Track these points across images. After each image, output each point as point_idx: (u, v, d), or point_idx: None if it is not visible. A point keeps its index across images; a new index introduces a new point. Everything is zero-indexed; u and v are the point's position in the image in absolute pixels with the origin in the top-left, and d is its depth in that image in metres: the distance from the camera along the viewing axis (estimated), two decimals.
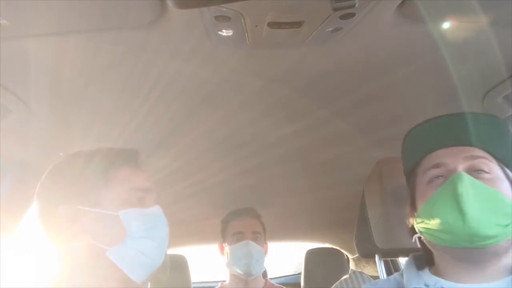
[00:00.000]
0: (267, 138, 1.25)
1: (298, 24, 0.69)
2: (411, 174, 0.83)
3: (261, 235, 1.64)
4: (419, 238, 0.78)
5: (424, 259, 0.80)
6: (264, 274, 1.86)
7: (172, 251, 2.12)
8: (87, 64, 0.84)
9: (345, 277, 1.80)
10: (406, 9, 0.70)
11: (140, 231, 0.76)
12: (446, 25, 0.75)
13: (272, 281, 1.78)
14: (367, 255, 1.23)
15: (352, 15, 0.68)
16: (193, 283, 1.99)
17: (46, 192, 0.79)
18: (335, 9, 0.58)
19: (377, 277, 1.46)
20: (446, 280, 0.73)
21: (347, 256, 2.39)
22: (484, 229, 0.65)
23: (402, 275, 0.81)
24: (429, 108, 1.06)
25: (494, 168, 0.73)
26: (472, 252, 0.68)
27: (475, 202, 0.67)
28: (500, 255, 0.69)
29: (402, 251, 1.14)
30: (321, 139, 1.27)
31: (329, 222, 2.10)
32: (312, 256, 2.18)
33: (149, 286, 1.00)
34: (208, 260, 2.72)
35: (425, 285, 0.74)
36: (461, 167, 0.72)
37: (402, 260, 2.06)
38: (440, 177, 0.74)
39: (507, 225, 0.66)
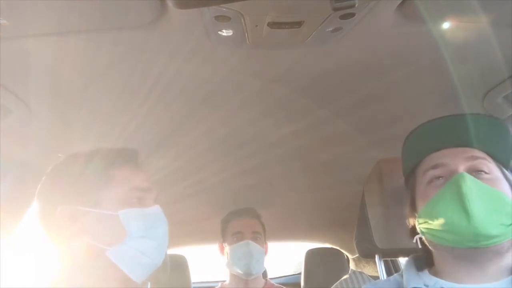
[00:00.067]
0: (267, 138, 1.25)
1: (298, 24, 0.69)
2: (410, 175, 0.83)
3: (261, 235, 1.64)
4: (420, 238, 0.78)
5: (424, 259, 0.80)
6: (264, 274, 1.85)
7: (172, 251, 2.12)
8: (87, 64, 0.84)
9: (345, 277, 1.80)
10: (406, 9, 0.70)
11: (140, 231, 0.76)
12: (446, 25, 0.75)
13: (272, 281, 1.78)
14: (367, 255, 1.23)
15: (352, 15, 0.68)
16: (193, 283, 1.99)
17: (46, 192, 0.80)
18: (335, 9, 0.58)
19: (377, 277, 1.46)
20: (445, 281, 0.73)
21: (347, 256, 2.39)
22: (488, 228, 0.65)
23: (401, 276, 0.81)
24: (429, 108, 1.07)
25: (493, 168, 0.74)
26: (475, 252, 0.68)
27: (479, 202, 0.67)
28: (502, 255, 0.69)
29: (402, 251, 1.14)
30: (321, 139, 1.27)
31: (329, 222, 2.10)
32: (312, 256, 2.18)
33: (149, 286, 1.00)
34: (208, 260, 2.72)
35: (425, 285, 0.74)
36: (461, 168, 0.73)
37: (402, 260, 2.06)
38: (440, 178, 0.75)
39: (509, 225, 0.67)
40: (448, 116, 0.80)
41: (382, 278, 1.24)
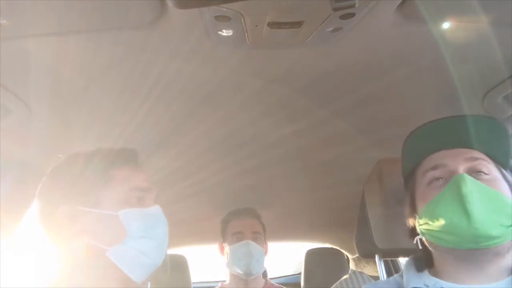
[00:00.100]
0: (267, 138, 1.25)
1: (298, 24, 0.69)
2: (410, 176, 0.83)
3: (261, 235, 1.64)
4: (420, 239, 0.78)
5: (424, 260, 0.80)
6: (264, 274, 1.85)
7: (172, 251, 2.12)
8: (87, 64, 0.84)
9: (345, 277, 1.80)
10: (406, 9, 0.70)
11: (140, 231, 0.76)
12: (446, 25, 0.75)
13: (272, 281, 1.78)
14: (367, 255, 1.23)
15: (352, 15, 0.68)
16: (193, 283, 1.99)
17: (47, 192, 0.80)
18: (335, 9, 0.58)
19: (377, 277, 1.46)
20: (445, 281, 0.73)
21: (347, 256, 2.39)
22: (489, 229, 0.66)
23: (402, 277, 0.81)
24: (429, 108, 1.07)
25: (492, 169, 0.74)
26: (475, 253, 0.68)
27: (479, 203, 0.67)
28: (502, 256, 0.69)
29: (402, 251, 1.14)
30: (321, 139, 1.27)
31: (329, 222, 2.10)
32: (312, 256, 2.18)
33: (149, 286, 1.00)
34: (208, 260, 2.72)
35: (425, 285, 0.74)
36: (461, 169, 0.73)
37: (402, 260, 2.06)
38: (440, 179, 0.75)
39: (509, 226, 0.67)
40: (447, 117, 0.80)
41: (382, 278, 1.24)
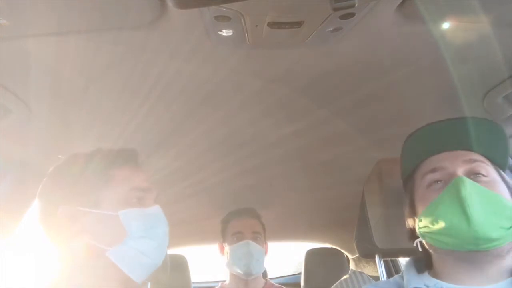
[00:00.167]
0: (267, 138, 1.25)
1: (298, 24, 0.69)
2: (409, 178, 0.83)
3: (261, 235, 1.64)
4: (420, 241, 0.78)
5: (424, 261, 0.81)
6: (264, 274, 1.85)
7: (172, 251, 2.12)
8: (87, 64, 0.84)
9: (345, 277, 1.80)
10: (406, 9, 0.70)
11: (140, 231, 0.76)
12: (446, 25, 0.75)
13: (272, 281, 1.78)
14: (367, 255, 1.23)
15: (352, 15, 0.68)
16: (193, 283, 1.99)
17: (48, 192, 0.80)
18: (335, 9, 0.58)
19: (377, 277, 1.46)
20: (445, 282, 0.73)
21: (347, 256, 2.39)
22: (488, 232, 0.66)
23: (402, 277, 0.81)
24: (429, 108, 1.07)
25: (491, 171, 0.74)
26: (475, 255, 0.68)
27: (479, 205, 0.67)
28: (502, 257, 0.69)
29: (402, 251, 1.14)
30: (321, 139, 1.27)
31: (329, 222, 2.10)
32: (312, 256, 2.18)
33: (149, 286, 1.00)
34: (208, 260, 2.72)
35: (425, 285, 0.74)
36: (460, 171, 0.73)
37: (402, 260, 2.06)
38: (439, 182, 0.75)
39: (509, 228, 0.67)
40: (444, 120, 0.80)
41: (382, 278, 1.24)
